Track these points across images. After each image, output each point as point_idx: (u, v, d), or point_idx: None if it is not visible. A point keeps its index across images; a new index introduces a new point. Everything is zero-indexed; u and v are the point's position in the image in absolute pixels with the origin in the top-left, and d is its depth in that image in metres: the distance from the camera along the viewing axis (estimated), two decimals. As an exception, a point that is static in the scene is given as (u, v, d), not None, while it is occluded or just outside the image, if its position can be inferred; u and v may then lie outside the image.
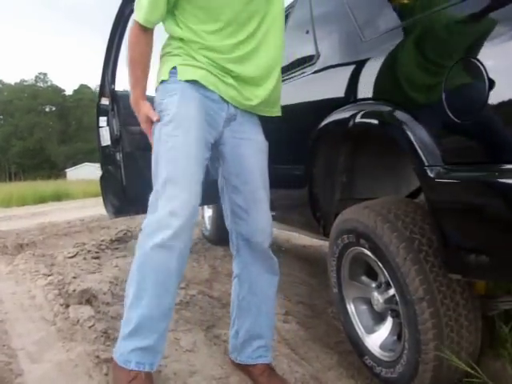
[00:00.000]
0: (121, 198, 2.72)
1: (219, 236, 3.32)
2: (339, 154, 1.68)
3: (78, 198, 11.97)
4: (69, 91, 69.20)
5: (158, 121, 1.30)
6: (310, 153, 1.76)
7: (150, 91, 1.38)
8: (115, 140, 2.64)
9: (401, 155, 1.37)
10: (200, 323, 1.90)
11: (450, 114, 1.04)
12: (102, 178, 2.84)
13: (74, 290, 2.09)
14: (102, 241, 3.66)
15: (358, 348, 1.51)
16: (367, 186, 1.74)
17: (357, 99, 1.47)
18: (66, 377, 1.38)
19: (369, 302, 1.51)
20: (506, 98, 0.93)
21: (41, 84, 68.09)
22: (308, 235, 2.34)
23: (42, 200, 10.98)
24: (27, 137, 59.09)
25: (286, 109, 1.56)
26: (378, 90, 1.38)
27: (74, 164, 48.18)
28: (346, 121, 1.48)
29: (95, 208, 6.18)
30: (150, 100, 1.37)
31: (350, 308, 1.57)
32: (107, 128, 2.65)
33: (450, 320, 1.17)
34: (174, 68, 1.30)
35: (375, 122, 1.36)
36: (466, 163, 1.04)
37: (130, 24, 1.34)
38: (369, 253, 1.38)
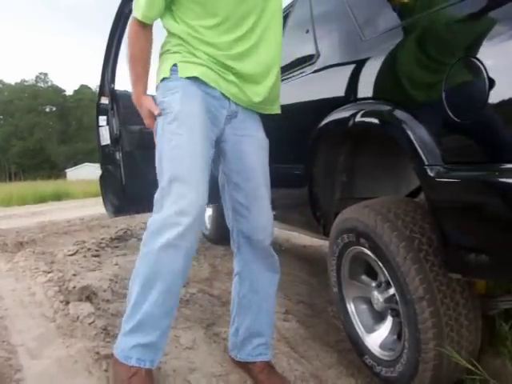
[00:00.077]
0: (120, 197, 2.72)
1: (219, 235, 3.32)
2: (339, 154, 1.68)
3: (78, 198, 11.96)
4: (69, 91, 69.52)
5: (160, 115, 1.29)
6: (310, 152, 1.76)
7: (150, 91, 1.38)
8: (115, 139, 2.64)
9: (401, 155, 1.37)
10: (200, 321, 1.90)
11: (450, 114, 1.04)
12: (101, 177, 2.84)
13: (74, 287, 2.09)
14: (102, 239, 3.66)
15: (358, 347, 1.51)
16: (367, 186, 1.74)
17: (357, 98, 1.47)
18: (65, 373, 1.38)
19: (369, 302, 1.51)
20: (506, 97, 0.93)
21: (41, 84, 68.18)
22: (308, 235, 2.34)
23: (42, 200, 10.98)
24: (27, 137, 59.10)
25: (286, 108, 1.56)
26: (378, 90, 1.38)
27: (75, 164, 48.19)
28: (345, 120, 1.48)
29: (95, 207, 6.18)
30: None
31: (350, 307, 1.57)
32: (107, 127, 2.65)
33: (450, 319, 1.17)
34: (175, 65, 1.29)
35: (375, 121, 1.36)
36: (466, 162, 1.04)
37: (130, 21, 1.34)
38: (369, 252, 1.38)
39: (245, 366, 1.48)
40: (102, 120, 2.68)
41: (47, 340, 1.61)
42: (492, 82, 0.94)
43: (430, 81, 1.19)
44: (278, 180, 1.53)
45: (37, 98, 63.57)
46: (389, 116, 1.27)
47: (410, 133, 1.16)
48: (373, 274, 1.48)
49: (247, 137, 1.40)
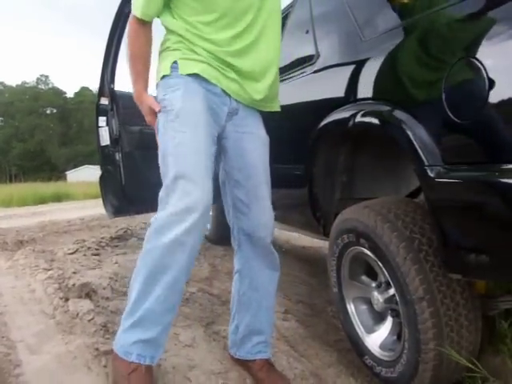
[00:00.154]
0: (120, 197, 2.73)
1: (219, 235, 3.31)
2: (339, 154, 1.68)
3: (79, 199, 11.95)
4: (70, 93, 69.51)
5: (161, 111, 1.29)
6: (310, 152, 1.76)
7: (151, 91, 1.38)
8: (114, 140, 2.64)
9: (400, 156, 1.37)
10: (199, 319, 1.90)
11: (450, 114, 1.04)
12: (101, 177, 2.85)
13: (74, 285, 2.08)
14: (102, 238, 3.66)
15: (358, 348, 1.51)
16: (367, 186, 1.74)
17: (357, 99, 1.47)
18: (64, 368, 1.38)
19: (369, 302, 1.51)
20: (505, 97, 0.93)
21: (42, 86, 68.12)
22: (308, 235, 2.34)
23: (42, 201, 10.98)
24: (28, 139, 59.09)
25: (286, 109, 1.56)
26: (378, 90, 1.38)
27: (75, 166, 48.11)
28: (345, 120, 1.48)
29: (95, 208, 6.18)
30: None
31: (350, 308, 1.57)
32: (106, 128, 2.65)
33: (450, 319, 1.17)
34: (175, 62, 1.29)
35: (375, 121, 1.36)
36: (465, 163, 1.04)
37: (129, 20, 1.34)
38: (369, 252, 1.38)
39: (244, 364, 1.47)
40: (102, 121, 2.68)
41: (47, 336, 1.61)
42: (492, 82, 0.94)
43: (429, 81, 1.19)
44: (278, 180, 1.53)
45: (38, 99, 63.58)
46: (389, 116, 1.27)
47: (409, 133, 1.16)
48: (373, 275, 1.48)
49: (248, 134, 1.39)
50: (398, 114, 1.22)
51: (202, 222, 1.17)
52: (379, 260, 1.33)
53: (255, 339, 1.45)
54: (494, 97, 0.94)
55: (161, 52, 1.36)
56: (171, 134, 1.24)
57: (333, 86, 1.66)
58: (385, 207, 1.35)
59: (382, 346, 1.42)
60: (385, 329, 1.45)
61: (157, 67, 1.36)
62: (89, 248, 3.23)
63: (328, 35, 1.89)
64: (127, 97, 2.54)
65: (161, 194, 1.24)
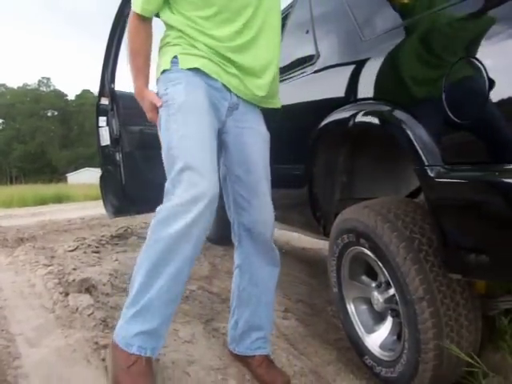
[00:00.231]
0: (120, 197, 2.73)
1: (219, 235, 3.31)
2: (339, 154, 1.68)
3: (79, 201, 11.93)
4: (71, 96, 69.61)
5: (162, 106, 1.28)
6: (310, 152, 1.76)
7: (151, 87, 1.38)
8: (115, 140, 2.65)
9: (400, 156, 1.37)
10: (199, 316, 1.89)
11: (450, 114, 1.04)
12: (101, 177, 2.85)
13: (74, 280, 2.07)
14: (103, 236, 3.65)
15: (358, 348, 1.51)
16: (367, 186, 1.74)
17: (357, 99, 1.47)
18: (64, 361, 1.37)
19: (369, 302, 1.51)
20: (505, 97, 0.93)
21: (43, 88, 68.14)
22: (308, 235, 2.34)
23: (42, 202, 10.98)
24: (29, 141, 59.15)
25: (286, 109, 1.56)
26: (378, 90, 1.38)
27: (76, 169, 48.10)
28: (346, 120, 1.48)
29: (96, 209, 6.18)
30: None
31: (350, 307, 1.57)
32: (107, 128, 2.66)
33: (450, 319, 1.17)
34: (175, 57, 1.29)
35: (375, 121, 1.36)
36: (466, 163, 1.04)
37: (129, 16, 1.34)
38: (369, 252, 1.38)
39: (243, 360, 1.47)
40: (102, 121, 2.69)
41: (46, 330, 1.61)
42: (492, 82, 0.94)
43: (430, 81, 1.19)
44: (278, 180, 1.52)
45: (39, 102, 63.63)
46: (389, 116, 1.27)
47: (410, 133, 1.16)
48: (373, 275, 1.48)
49: (248, 129, 1.39)
50: (398, 113, 1.22)
51: (208, 212, 1.15)
52: (379, 260, 1.33)
53: (254, 335, 1.45)
54: (494, 97, 0.94)
55: (161, 47, 1.36)
56: (174, 127, 1.23)
57: (333, 86, 1.66)
58: (385, 207, 1.35)
59: (382, 346, 1.42)
60: (385, 329, 1.45)
61: (157, 63, 1.36)
62: (89, 246, 3.23)
63: (328, 35, 1.89)
64: (127, 97, 2.55)
65: (167, 185, 1.22)
